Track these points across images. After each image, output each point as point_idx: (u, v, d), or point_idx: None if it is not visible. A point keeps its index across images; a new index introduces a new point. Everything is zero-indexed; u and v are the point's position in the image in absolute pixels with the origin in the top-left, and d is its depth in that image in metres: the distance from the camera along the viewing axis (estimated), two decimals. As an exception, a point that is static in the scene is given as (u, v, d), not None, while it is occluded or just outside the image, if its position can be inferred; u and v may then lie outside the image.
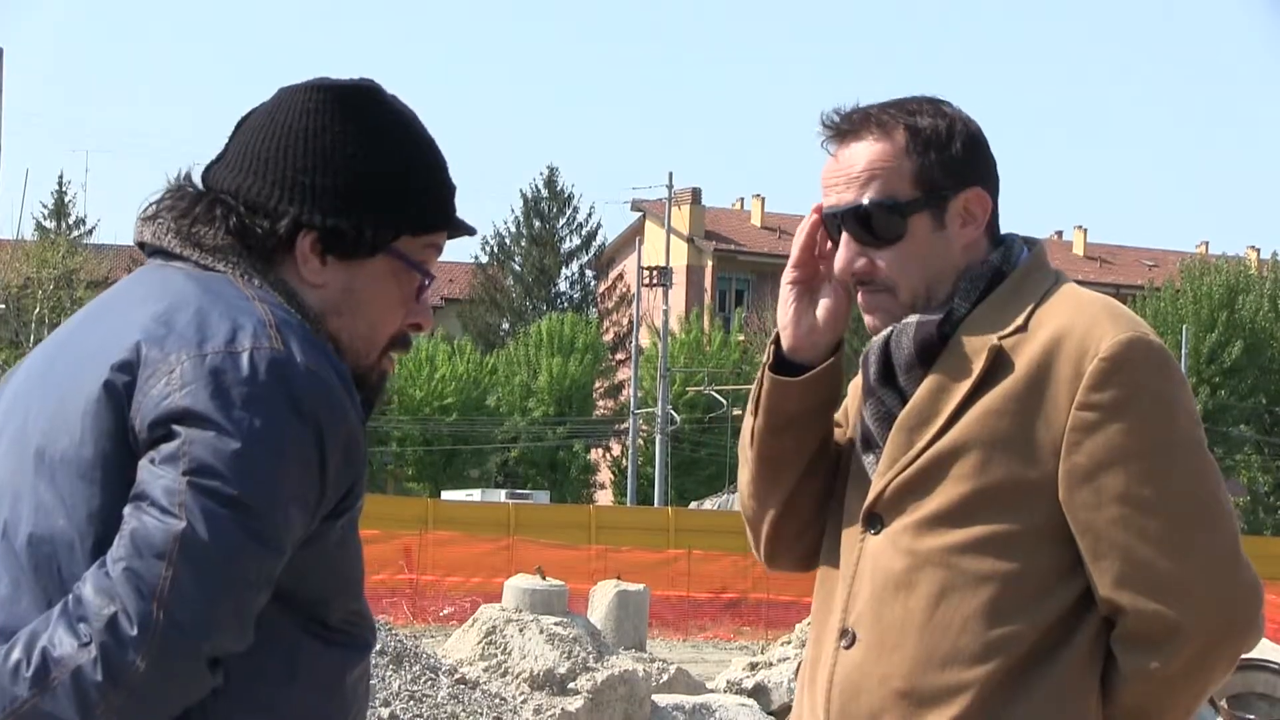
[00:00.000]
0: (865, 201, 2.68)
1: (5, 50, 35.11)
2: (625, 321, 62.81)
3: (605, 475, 59.10)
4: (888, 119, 2.71)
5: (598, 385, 58.66)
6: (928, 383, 2.67)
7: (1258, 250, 68.41)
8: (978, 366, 2.63)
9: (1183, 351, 53.58)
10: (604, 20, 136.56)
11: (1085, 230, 73.61)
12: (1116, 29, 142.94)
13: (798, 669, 2.93)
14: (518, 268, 65.48)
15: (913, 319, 2.69)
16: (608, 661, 12.48)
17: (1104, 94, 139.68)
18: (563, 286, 66.23)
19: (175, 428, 2.11)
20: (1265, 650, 14.76)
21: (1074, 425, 2.58)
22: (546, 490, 50.01)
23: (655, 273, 58.54)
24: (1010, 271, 2.71)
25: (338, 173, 2.27)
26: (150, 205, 2.34)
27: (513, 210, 66.76)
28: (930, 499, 2.64)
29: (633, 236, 64.56)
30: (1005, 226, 2.78)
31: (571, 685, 12.19)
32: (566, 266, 66.17)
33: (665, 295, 55.83)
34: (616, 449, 59.14)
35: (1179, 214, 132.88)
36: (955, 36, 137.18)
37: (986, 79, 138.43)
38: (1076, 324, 2.62)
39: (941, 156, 2.69)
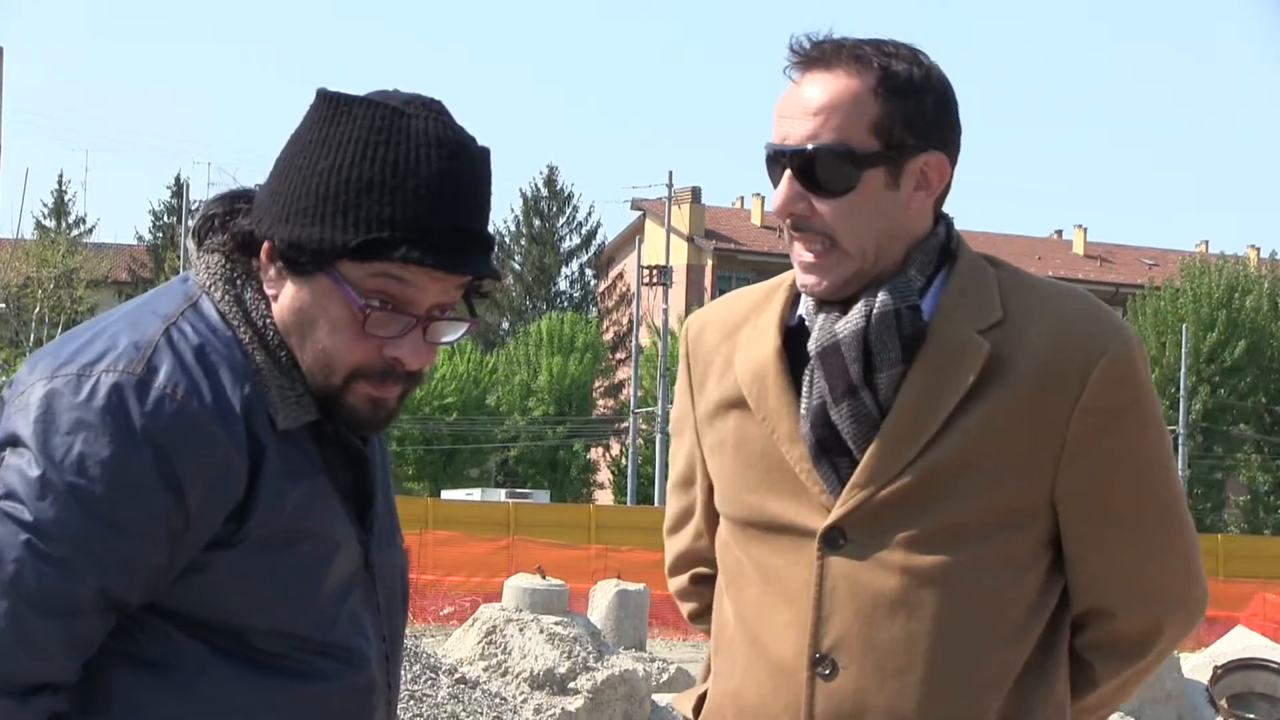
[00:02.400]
0: (813, 146, 2.43)
1: (5, 49, 35.10)
2: (625, 321, 62.79)
3: (605, 475, 59.06)
4: (863, 54, 2.45)
5: (598, 384, 58.64)
6: (913, 384, 2.44)
7: (1258, 250, 68.34)
8: (970, 368, 2.42)
9: (1182, 351, 53.51)
10: (604, 19, 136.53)
11: (1085, 229, 73.52)
12: (1117, 28, 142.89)
13: (698, 702, 2.65)
14: (518, 267, 65.47)
15: (885, 302, 2.44)
16: (608, 661, 12.47)
17: (1104, 93, 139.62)
18: (563, 286, 66.27)
19: (5, 451, 2.13)
20: (1265, 650, 14.76)
21: (1078, 431, 2.43)
22: (546, 490, 49.95)
23: (655, 272, 58.51)
24: (956, 250, 2.51)
25: (290, 180, 2.20)
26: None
27: (512, 209, 66.78)
28: (926, 514, 2.42)
29: (633, 235, 64.53)
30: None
31: (571, 685, 12.18)
32: (566, 266, 66.22)
33: (665, 294, 55.77)
34: (616, 448, 59.09)
35: (1179, 213, 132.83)
36: (955, 35, 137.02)
37: (987, 78, 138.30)
38: (1072, 321, 2.45)
39: (910, 108, 2.44)
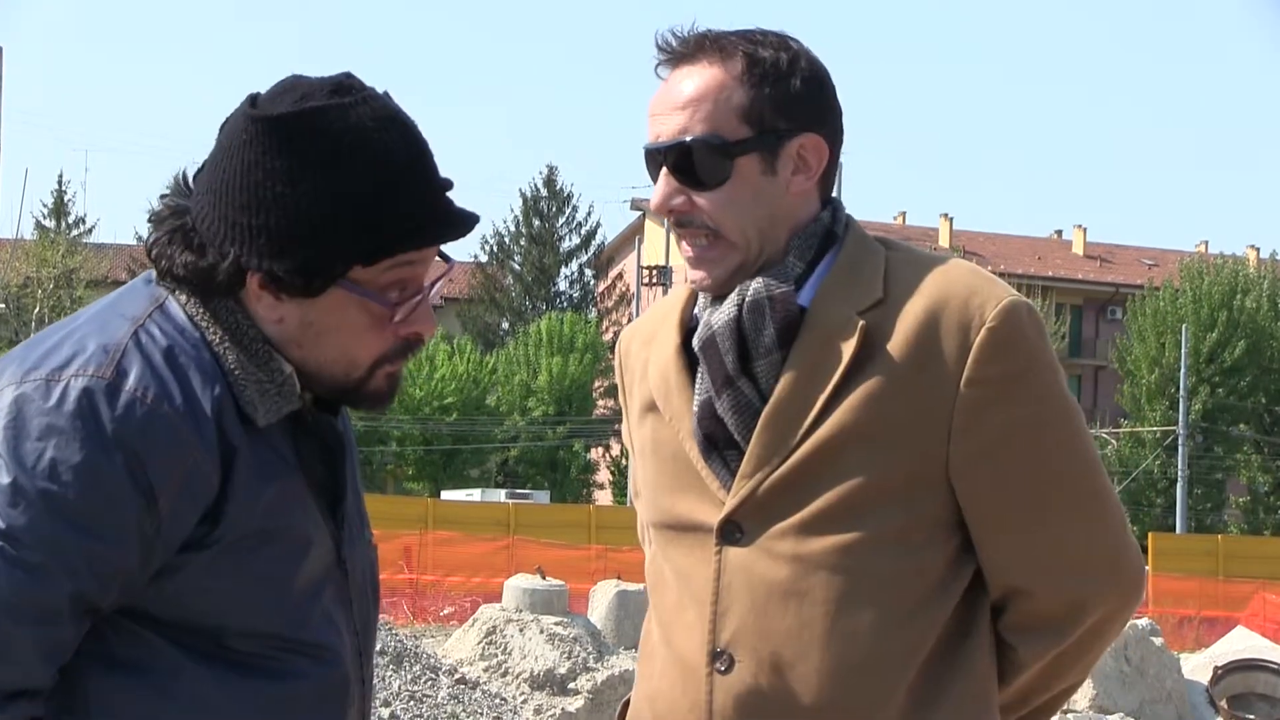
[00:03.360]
0: (688, 139, 2.42)
1: (5, 49, 35.12)
2: (625, 321, 62.77)
3: (605, 475, 59.06)
4: (727, 44, 2.44)
5: (598, 385, 58.62)
6: (792, 369, 2.40)
7: (1258, 250, 68.36)
8: (847, 347, 2.38)
9: (1182, 351, 53.49)
10: (604, 19, 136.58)
11: (1085, 229, 73.50)
12: (1117, 28, 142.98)
13: (622, 708, 2.65)
14: (517, 267, 65.48)
15: (757, 289, 2.42)
16: (608, 661, 12.48)
17: (1104, 93, 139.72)
18: (562, 286, 66.24)
19: None
20: (1265, 651, 14.78)
21: (965, 404, 2.36)
22: (546, 490, 49.95)
23: (655, 272, 58.53)
24: (840, 233, 2.48)
25: (270, 213, 2.16)
26: (151, 214, 2.32)
27: (512, 209, 66.94)
28: (813, 498, 2.38)
29: (632, 235, 64.54)
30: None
31: (571, 685, 12.18)
32: (566, 266, 66.19)
33: (665, 294, 55.67)
34: (616, 449, 59.10)
35: (1179, 213, 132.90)
36: (955, 36, 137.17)
37: (987, 79, 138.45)
38: (950, 292, 2.39)
39: (779, 92, 2.43)
